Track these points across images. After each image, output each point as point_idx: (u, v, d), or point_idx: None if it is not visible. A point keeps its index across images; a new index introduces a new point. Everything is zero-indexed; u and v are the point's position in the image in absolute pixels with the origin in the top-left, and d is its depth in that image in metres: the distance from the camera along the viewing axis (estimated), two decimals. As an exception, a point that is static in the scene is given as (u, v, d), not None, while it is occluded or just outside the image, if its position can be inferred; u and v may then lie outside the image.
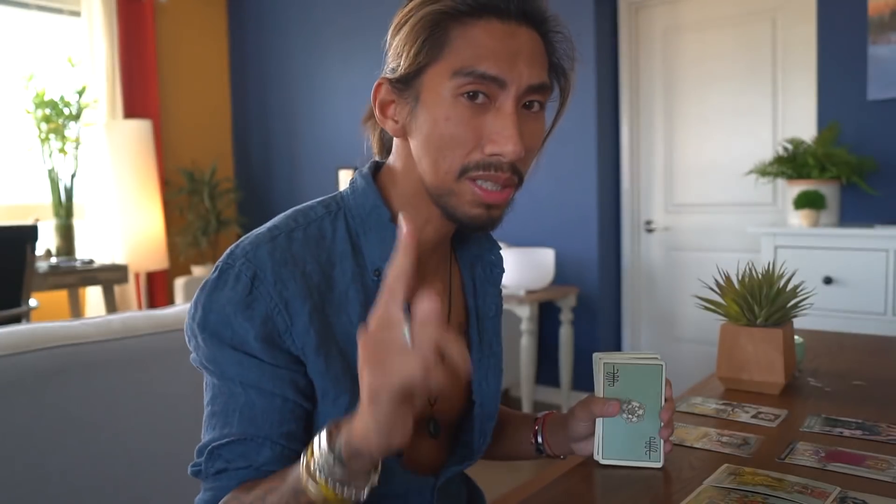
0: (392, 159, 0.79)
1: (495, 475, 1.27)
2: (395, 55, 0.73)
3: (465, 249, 0.88)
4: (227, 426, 0.71)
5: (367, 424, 0.57)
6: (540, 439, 0.92)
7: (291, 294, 0.70)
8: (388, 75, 0.74)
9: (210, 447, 0.71)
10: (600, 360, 0.85)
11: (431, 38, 0.69)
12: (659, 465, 0.83)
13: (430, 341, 0.52)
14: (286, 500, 0.63)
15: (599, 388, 0.85)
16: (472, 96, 0.69)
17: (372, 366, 0.55)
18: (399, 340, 0.53)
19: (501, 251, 0.92)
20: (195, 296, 0.73)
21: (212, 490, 0.71)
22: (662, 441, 0.83)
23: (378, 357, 0.54)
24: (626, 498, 0.77)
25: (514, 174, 0.72)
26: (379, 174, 0.81)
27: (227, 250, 0.73)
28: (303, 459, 0.62)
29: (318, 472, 0.60)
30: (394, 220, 0.77)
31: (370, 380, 0.55)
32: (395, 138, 0.78)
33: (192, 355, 0.75)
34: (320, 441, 0.61)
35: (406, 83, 0.72)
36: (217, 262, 0.73)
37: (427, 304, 0.53)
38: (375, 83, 0.75)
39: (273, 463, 0.71)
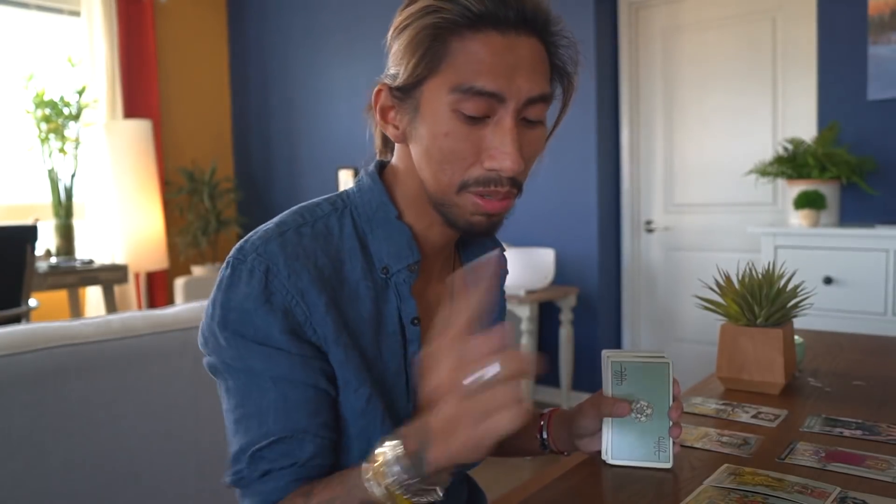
0: (395, 160, 0.79)
1: (496, 475, 1.27)
2: (394, 62, 0.73)
3: (468, 251, 0.88)
4: (264, 425, 0.69)
5: (456, 455, 0.58)
6: (545, 435, 0.92)
7: (306, 285, 0.70)
8: (388, 82, 0.73)
9: (251, 451, 0.69)
10: (608, 357, 0.84)
11: (430, 52, 0.69)
12: (668, 465, 0.83)
13: (517, 389, 0.55)
14: None
15: (608, 386, 0.84)
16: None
17: (469, 424, 0.55)
18: (484, 394, 0.55)
19: (505, 252, 0.92)
20: (212, 295, 0.72)
21: (259, 495, 0.70)
22: (672, 441, 0.83)
23: (474, 415, 0.55)
24: (626, 498, 0.77)
25: (514, 186, 0.72)
26: (384, 173, 0.81)
27: (236, 246, 0.73)
28: (370, 473, 0.61)
29: (396, 487, 0.60)
30: (400, 217, 0.77)
31: (471, 435, 0.56)
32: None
33: (207, 359, 0.73)
34: (398, 461, 0.60)
35: (405, 93, 0.72)
36: (227, 258, 0.72)
37: (516, 361, 0.55)
38: (376, 88, 0.75)
39: (318, 456, 0.71)
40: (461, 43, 0.68)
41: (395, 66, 0.72)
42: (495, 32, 0.68)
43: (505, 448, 0.97)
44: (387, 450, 0.61)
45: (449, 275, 0.85)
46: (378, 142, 0.85)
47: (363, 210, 0.77)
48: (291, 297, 0.69)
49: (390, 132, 0.75)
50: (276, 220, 0.75)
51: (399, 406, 0.76)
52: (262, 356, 0.69)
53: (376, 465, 0.61)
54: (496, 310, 0.93)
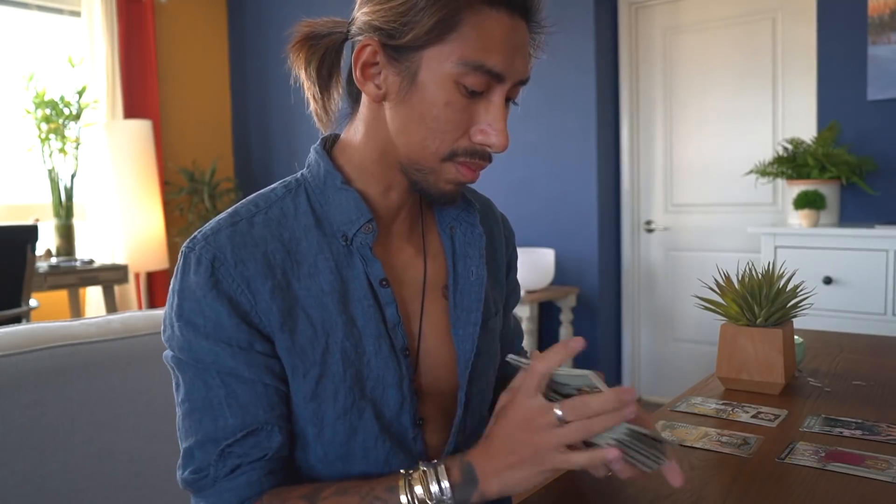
0: (354, 125, 0.79)
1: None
2: (392, 18, 0.70)
3: (443, 214, 0.86)
4: (220, 419, 0.70)
5: (515, 485, 0.64)
6: None
7: (252, 274, 0.71)
8: (381, 39, 0.72)
9: (222, 446, 0.69)
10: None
11: (445, 19, 0.69)
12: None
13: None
14: None
15: None
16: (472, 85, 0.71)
17: (546, 455, 0.63)
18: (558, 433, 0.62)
19: (478, 211, 0.88)
20: (170, 285, 0.73)
21: (229, 492, 0.69)
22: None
23: (554, 446, 0.62)
24: (626, 498, 0.77)
25: (490, 161, 0.76)
26: (334, 147, 0.81)
27: (190, 236, 0.74)
28: (409, 490, 0.65)
29: None
30: (347, 182, 0.78)
31: (539, 467, 0.63)
32: (358, 104, 0.78)
33: (166, 352, 0.74)
34: (453, 493, 0.65)
35: (402, 54, 0.71)
36: (181, 248, 0.73)
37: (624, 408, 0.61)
38: (361, 43, 0.73)
39: (284, 447, 0.72)
40: (476, 17, 0.69)
41: (392, 24, 0.70)
42: (506, 12, 0.70)
43: None
44: (439, 485, 0.65)
45: (417, 238, 0.84)
46: (318, 105, 0.82)
47: (314, 184, 0.78)
48: (237, 285, 0.70)
49: (369, 90, 0.74)
50: (231, 209, 0.76)
51: (387, 370, 0.75)
52: (209, 350, 0.70)
53: (415, 484, 0.65)
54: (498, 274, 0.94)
